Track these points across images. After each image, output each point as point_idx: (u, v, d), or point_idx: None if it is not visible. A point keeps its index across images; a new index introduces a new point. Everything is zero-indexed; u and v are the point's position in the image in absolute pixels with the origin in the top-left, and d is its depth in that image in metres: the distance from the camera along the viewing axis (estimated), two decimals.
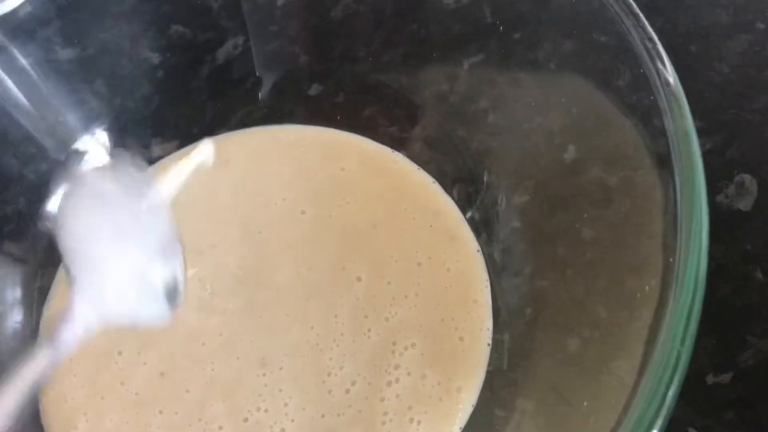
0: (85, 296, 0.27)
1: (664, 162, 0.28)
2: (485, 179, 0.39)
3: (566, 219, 0.36)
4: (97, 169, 0.31)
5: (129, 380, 0.34)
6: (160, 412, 0.33)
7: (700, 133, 0.25)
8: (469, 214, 0.38)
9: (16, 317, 0.36)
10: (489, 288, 0.35)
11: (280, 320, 0.35)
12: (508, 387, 0.33)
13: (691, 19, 0.44)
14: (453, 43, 0.41)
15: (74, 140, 0.40)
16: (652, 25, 0.31)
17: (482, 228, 0.38)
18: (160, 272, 0.29)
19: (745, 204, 0.39)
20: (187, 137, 0.42)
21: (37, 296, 0.37)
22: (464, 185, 0.39)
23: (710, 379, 0.34)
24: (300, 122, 0.42)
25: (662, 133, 0.28)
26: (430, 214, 0.37)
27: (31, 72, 0.39)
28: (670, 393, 0.19)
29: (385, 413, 0.32)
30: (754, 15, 0.44)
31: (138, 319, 0.29)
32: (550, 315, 0.34)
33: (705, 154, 0.25)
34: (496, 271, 0.36)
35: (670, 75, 0.25)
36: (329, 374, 0.33)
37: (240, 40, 0.43)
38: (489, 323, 0.34)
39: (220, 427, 0.33)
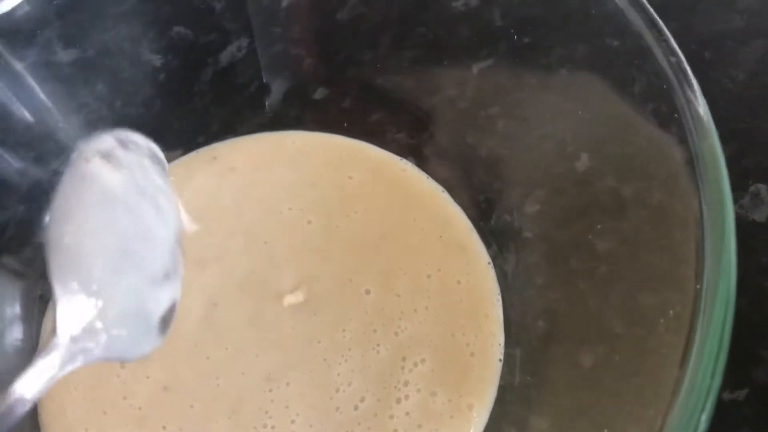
0: (69, 327, 0.22)
1: (682, 174, 0.28)
2: (495, 188, 0.38)
3: (579, 230, 0.35)
4: (103, 149, 0.24)
5: (132, 394, 0.33)
6: (164, 428, 0.33)
7: None
8: (479, 225, 0.37)
9: (16, 334, 0.35)
10: (500, 301, 0.34)
11: (287, 334, 0.34)
12: (521, 404, 0.33)
13: (705, 24, 0.43)
14: (462, 48, 0.40)
15: (74, 146, 0.39)
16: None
17: (492, 239, 0.37)
18: (161, 299, 0.24)
19: (760, 215, 0.38)
20: (190, 144, 0.41)
21: (37, 309, 0.36)
22: (474, 194, 0.38)
23: (726, 396, 0.34)
24: (305, 127, 0.42)
25: (680, 142, 0.27)
26: (440, 224, 0.36)
27: (29, 75, 0.38)
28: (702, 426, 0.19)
29: (395, 431, 0.32)
30: None
31: (127, 356, 0.24)
32: (563, 330, 0.34)
33: None
34: (506, 283, 0.36)
35: (696, 92, 0.24)
36: (337, 390, 0.33)
37: (244, 42, 0.42)
38: (501, 338, 0.33)
39: None
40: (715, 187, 0.22)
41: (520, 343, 0.34)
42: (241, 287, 0.35)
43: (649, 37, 0.27)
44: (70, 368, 0.22)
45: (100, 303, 0.22)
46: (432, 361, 0.33)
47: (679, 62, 0.25)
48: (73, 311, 0.22)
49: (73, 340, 0.22)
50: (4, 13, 0.37)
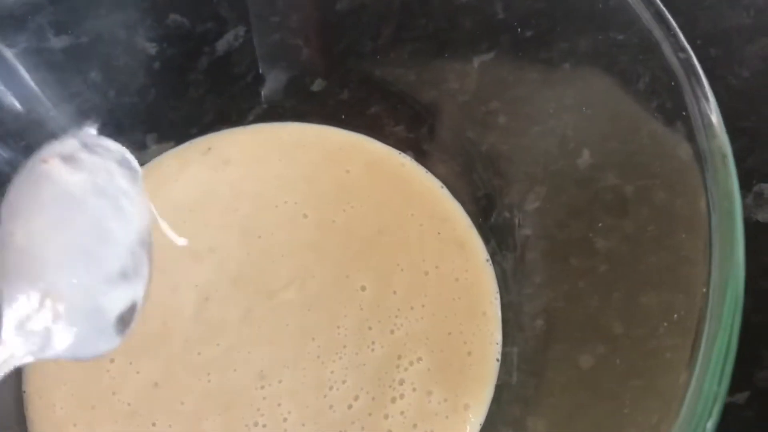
0: (14, 324, 0.21)
1: (687, 172, 0.27)
2: (495, 184, 0.37)
3: (579, 228, 0.35)
4: (62, 151, 0.24)
5: (121, 390, 0.33)
6: (153, 424, 0.32)
7: None
8: (478, 221, 0.37)
9: None
10: (498, 300, 0.34)
11: (280, 330, 0.33)
12: (518, 404, 0.32)
13: (710, 21, 0.43)
14: (463, 40, 0.39)
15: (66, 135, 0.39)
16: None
17: (491, 235, 0.36)
18: (117, 299, 0.24)
19: (763, 215, 0.38)
20: (184, 134, 0.40)
21: None
22: (473, 190, 0.38)
23: (726, 399, 0.33)
24: (302, 119, 0.41)
25: (686, 140, 0.26)
26: (438, 220, 0.36)
27: (20, 62, 0.38)
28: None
29: (390, 431, 0.31)
30: None
31: (79, 354, 0.23)
32: (562, 329, 0.33)
33: None
34: (505, 281, 0.35)
35: (706, 89, 0.23)
36: (331, 388, 0.32)
37: (241, 31, 0.41)
38: (498, 337, 0.33)
39: None
40: (724, 187, 0.22)
41: (518, 342, 0.34)
42: (234, 282, 0.34)
43: (657, 32, 0.26)
44: (15, 363, 0.22)
45: (48, 300, 0.22)
46: (428, 359, 0.32)
47: (688, 58, 0.24)
48: (19, 308, 0.22)
49: (20, 335, 0.22)
50: None
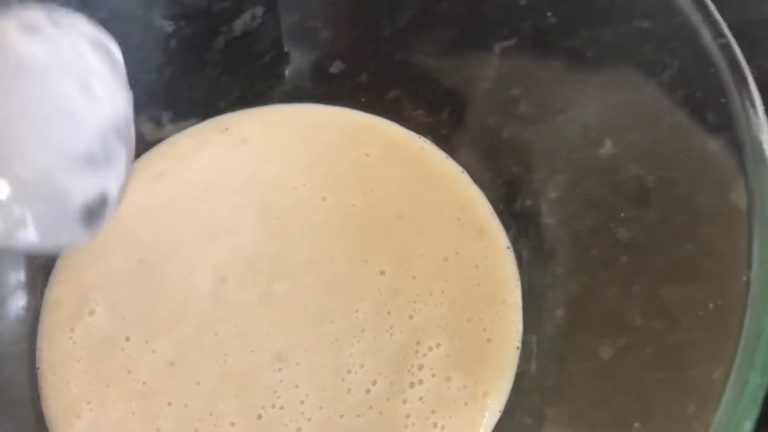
0: None
1: (717, 163, 0.27)
2: (516, 172, 0.37)
3: (601, 218, 0.34)
4: (23, 20, 0.21)
5: (136, 368, 0.32)
6: (169, 404, 0.32)
7: None
8: (499, 208, 0.36)
9: (19, 302, 0.34)
10: (519, 287, 0.34)
11: (298, 313, 0.33)
12: (537, 393, 0.32)
13: (735, 12, 0.42)
14: (484, 25, 0.39)
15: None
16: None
17: (511, 222, 0.36)
18: (82, 185, 0.22)
19: None
20: (200, 114, 0.40)
21: (41, 278, 0.34)
22: (493, 177, 0.37)
23: None
24: (319, 101, 0.40)
25: (717, 130, 0.26)
26: (459, 206, 0.35)
27: None
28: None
29: (408, 416, 0.31)
30: None
31: (38, 241, 0.22)
32: (582, 319, 0.33)
33: None
34: (525, 269, 0.35)
35: (748, 76, 0.23)
36: (349, 372, 0.32)
37: (259, 11, 0.41)
38: (519, 325, 0.33)
39: (232, 423, 0.31)
40: (765, 178, 0.21)
41: (537, 330, 0.33)
42: (251, 263, 0.34)
43: (695, 17, 0.25)
44: None
45: (2, 179, 0.20)
46: (447, 345, 0.32)
47: (728, 44, 0.24)
48: None
49: None
50: None
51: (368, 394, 0.31)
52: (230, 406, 0.31)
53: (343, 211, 0.35)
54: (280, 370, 0.32)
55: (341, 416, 0.31)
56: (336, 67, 0.41)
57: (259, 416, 0.31)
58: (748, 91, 0.23)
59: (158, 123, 0.40)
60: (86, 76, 0.22)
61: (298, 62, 0.42)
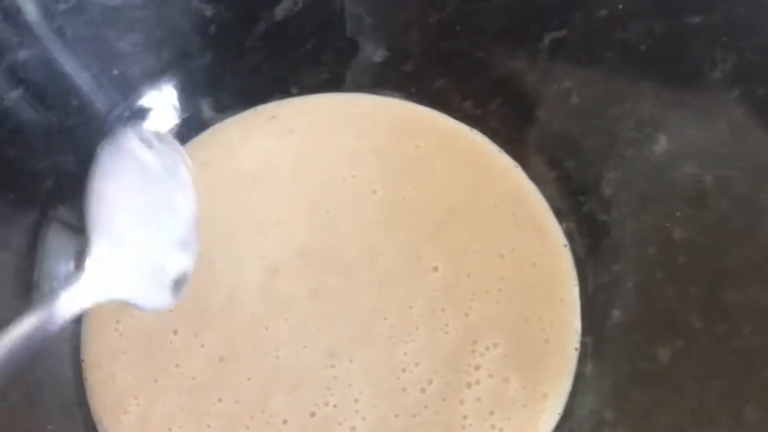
0: (98, 264, 0.25)
1: None
2: (568, 167, 0.36)
3: (656, 216, 0.34)
4: (141, 135, 0.29)
5: (185, 363, 0.32)
6: (220, 400, 0.31)
7: None
8: (552, 203, 0.35)
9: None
10: (577, 287, 0.33)
11: (350, 308, 0.32)
12: (594, 395, 0.31)
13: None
14: (534, 15, 0.38)
15: (124, 95, 0.37)
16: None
17: (565, 219, 0.35)
18: (176, 262, 0.28)
19: None
20: (240, 101, 0.39)
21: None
22: (546, 172, 0.36)
23: None
24: (362, 90, 0.39)
25: None
26: (514, 201, 0.34)
27: (71, 18, 0.36)
28: None
29: (465, 417, 0.30)
30: None
31: (141, 303, 0.27)
32: (639, 320, 0.32)
33: None
34: (580, 268, 0.34)
35: None
36: (404, 370, 0.31)
37: None
38: (577, 325, 0.32)
39: (285, 421, 0.31)
40: None
41: (593, 331, 0.33)
42: (302, 256, 0.33)
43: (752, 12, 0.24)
44: (92, 299, 0.25)
45: (124, 251, 0.26)
46: (505, 345, 0.31)
47: None
48: (101, 254, 0.26)
49: (99, 275, 0.25)
50: None
51: (424, 393, 0.31)
52: (283, 402, 0.31)
53: (395, 204, 0.34)
54: (333, 366, 0.31)
55: (396, 416, 0.30)
56: (380, 56, 0.40)
57: (313, 414, 0.31)
58: None
59: (198, 110, 0.39)
60: (181, 180, 0.29)
61: (340, 50, 0.41)
